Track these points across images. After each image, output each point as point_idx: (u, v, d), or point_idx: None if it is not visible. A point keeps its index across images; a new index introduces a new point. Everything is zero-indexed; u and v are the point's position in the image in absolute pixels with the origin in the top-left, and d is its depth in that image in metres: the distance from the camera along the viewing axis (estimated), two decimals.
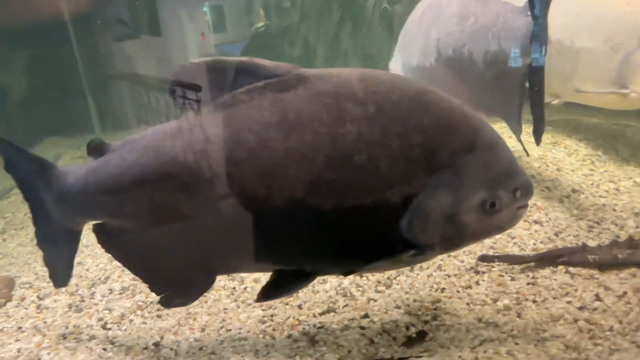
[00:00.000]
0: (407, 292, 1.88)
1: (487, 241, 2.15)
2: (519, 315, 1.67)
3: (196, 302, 1.80)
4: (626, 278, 1.83)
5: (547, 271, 1.93)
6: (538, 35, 2.28)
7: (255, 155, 1.30)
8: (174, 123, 1.43)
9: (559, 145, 3.35)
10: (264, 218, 1.33)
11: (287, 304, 1.87)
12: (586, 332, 1.53)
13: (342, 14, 5.52)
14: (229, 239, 1.41)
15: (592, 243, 2.08)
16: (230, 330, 1.75)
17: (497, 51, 2.45)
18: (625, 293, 1.72)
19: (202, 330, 1.77)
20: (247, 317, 1.82)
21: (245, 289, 2.01)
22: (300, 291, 1.90)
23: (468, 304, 1.77)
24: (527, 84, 2.43)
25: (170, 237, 1.45)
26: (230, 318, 1.82)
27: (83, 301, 2.05)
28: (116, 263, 1.59)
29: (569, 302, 1.71)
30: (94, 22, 5.26)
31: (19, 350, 1.72)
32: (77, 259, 1.68)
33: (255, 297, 1.44)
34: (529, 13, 2.31)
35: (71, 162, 4.47)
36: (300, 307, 1.85)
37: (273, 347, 1.62)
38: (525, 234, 2.24)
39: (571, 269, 1.92)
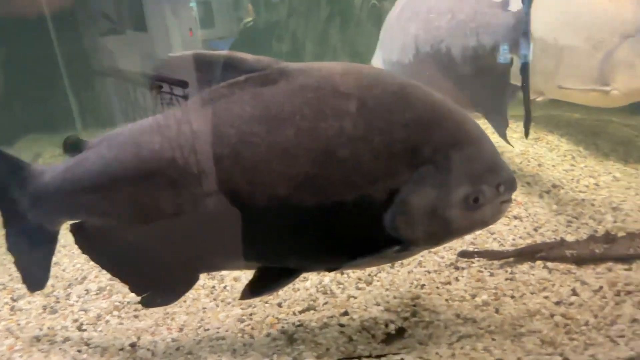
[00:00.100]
0: (387, 289, 1.87)
1: (468, 237, 2.16)
2: (496, 311, 1.67)
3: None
4: (602, 272, 1.85)
5: (525, 266, 1.94)
6: (522, 31, 2.28)
7: (237, 151, 1.28)
8: (154, 118, 1.40)
9: (541, 141, 3.37)
10: (247, 214, 1.31)
11: (267, 302, 1.86)
12: (562, 327, 1.54)
13: (331, 10, 5.50)
14: (212, 236, 1.39)
15: (570, 238, 2.09)
16: (208, 329, 1.73)
17: (475, 47, 2.45)
18: (601, 287, 1.74)
19: (180, 330, 1.75)
20: (226, 316, 1.80)
21: (225, 287, 1.99)
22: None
23: (447, 300, 1.77)
24: (510, 79, 2.45)
25: (151, 235, 1.43)
26: (209, 317, 1.81)
27: (58, 302, 2.02)
28: (94, 263, 1.57)
29: (546, 297, 1.73)
30: (75, 17, 5.16)
31: None
32: (53, 260, 1.65)
33: (235, 295, 1.43)
34: (507, 8, 2.31)
35: (51, 160, 4.39)
36: (280, 305, 1.84)
37: (251, 346, 1.61)
38: (505, 230, 2.25)
39: (549, 264, 1.94)
